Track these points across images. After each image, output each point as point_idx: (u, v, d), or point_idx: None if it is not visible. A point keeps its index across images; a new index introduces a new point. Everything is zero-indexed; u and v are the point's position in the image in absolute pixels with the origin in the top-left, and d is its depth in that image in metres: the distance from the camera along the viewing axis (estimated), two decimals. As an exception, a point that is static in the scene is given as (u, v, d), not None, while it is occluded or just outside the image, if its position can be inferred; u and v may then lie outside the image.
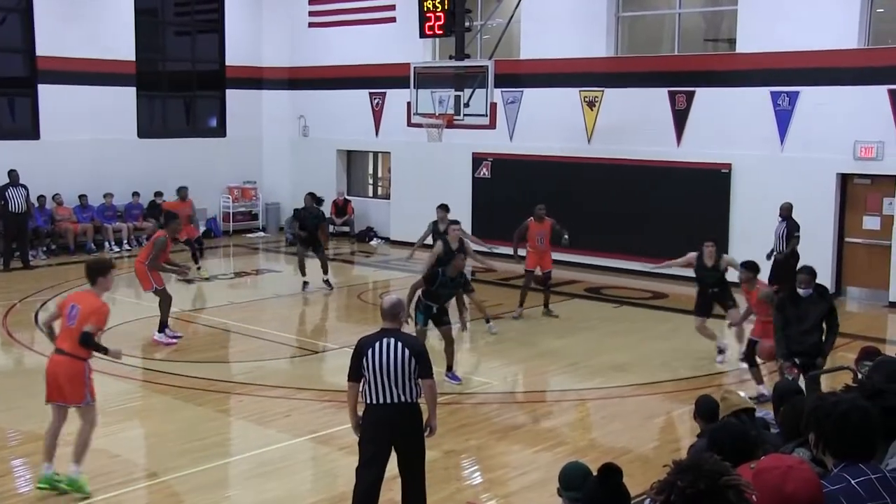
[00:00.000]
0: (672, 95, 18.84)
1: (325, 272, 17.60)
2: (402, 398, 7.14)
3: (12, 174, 19.99)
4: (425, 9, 18.67)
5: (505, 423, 10.65)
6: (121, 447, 9.78)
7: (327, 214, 24.46)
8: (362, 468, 7.27)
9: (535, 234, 15.72)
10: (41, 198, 21.26)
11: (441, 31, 18.79)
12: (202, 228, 23.98)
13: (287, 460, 9.42)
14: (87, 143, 22.16)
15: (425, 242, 15.98)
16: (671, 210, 18.65)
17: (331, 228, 24.59)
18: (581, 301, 17.29)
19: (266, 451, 9.75)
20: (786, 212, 15.93)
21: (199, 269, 19.14)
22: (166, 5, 25.00)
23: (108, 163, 22.48)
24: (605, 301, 17.26)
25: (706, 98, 18.45)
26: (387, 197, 24.43)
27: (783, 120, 17.59)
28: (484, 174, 21.77)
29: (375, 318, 16.28)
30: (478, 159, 21.79)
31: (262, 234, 25.39)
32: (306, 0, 25.12)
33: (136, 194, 22.89)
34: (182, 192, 20.70)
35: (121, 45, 22.91)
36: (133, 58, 23.24)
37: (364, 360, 7.10)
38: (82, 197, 21.96)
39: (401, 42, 22.10)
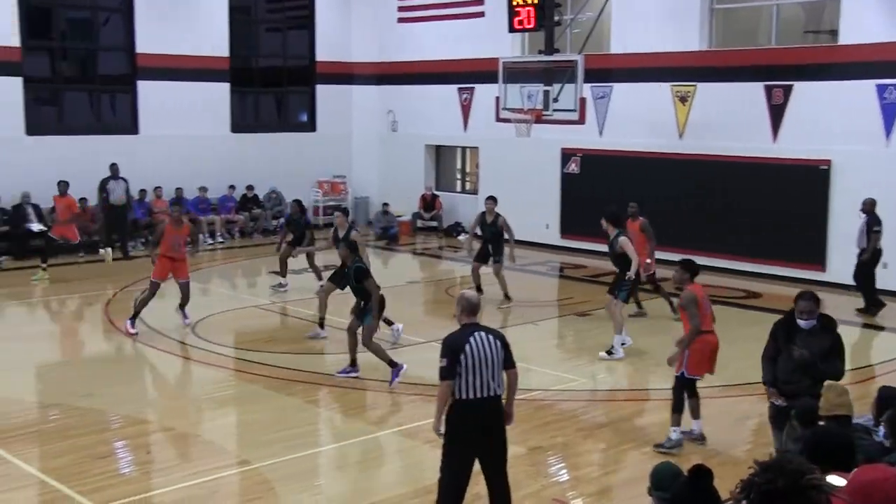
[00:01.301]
0: (768, 90, 18.47)
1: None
2: (496, 391, 7.22)
3: (113, 167, 20.63)
4: (514, 3, 18.59)
5: (591, 421, 10.63)
6: (214, 434, 10.04)
7: (416, 209, 24.72)
8: (453, 463, 7.28)
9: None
10: (142, 191, 21.88)
11: (531, 26, 18.71)
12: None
13: (374, 452, 9.56)
14: (182, 138, 22.71)
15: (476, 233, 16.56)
16: (766, 207, 18.33)
17: (418, 223, 24.81)
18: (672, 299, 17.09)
19: (354, 443, 9.91)
20: (868, 206, 15.67)
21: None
22: (259, 3, 25.45)
23: (202, 157, 23.03)
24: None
25: (805, 92, 18.02)
26: (475, 192, 24.46)
27: (890, 114, 17.09)
28: (573, 170, 21.68)
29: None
30: (567, 155, 21.70)
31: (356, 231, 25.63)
32: (396, -5, 25.35)
33: (231, 187, 23.41)
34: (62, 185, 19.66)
35: (215, 42, 23.44)
36: (227, 54, 23.75)
37: (461, 356, 7.11)
38: (178, 190, 22.50)
39: (489, 37, 22.12)
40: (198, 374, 12.57)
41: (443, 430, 7.28)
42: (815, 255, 17.81)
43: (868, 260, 15.80)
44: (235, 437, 10.27)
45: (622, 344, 13.23)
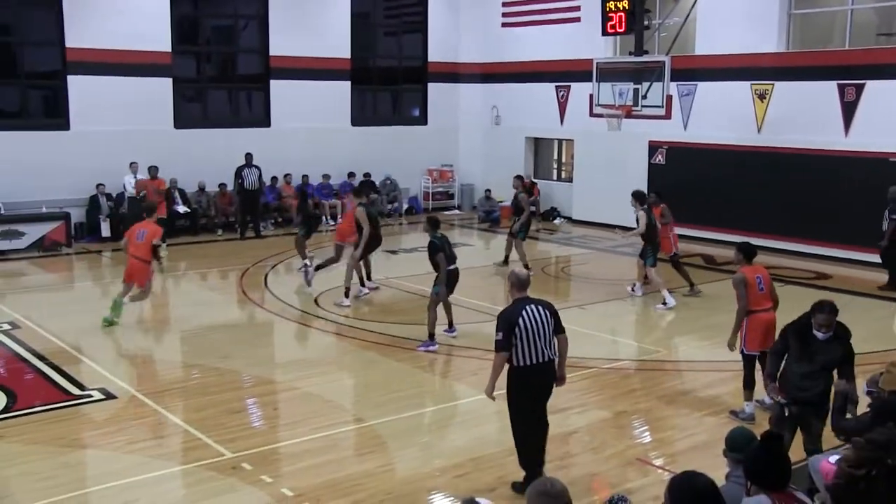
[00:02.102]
0: (841, 88, 17.89)
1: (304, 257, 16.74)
2: (550, 356, 7.36)
3: (248, 156, 21.05)
4: (608, 9, 18.45)
5: (673, 389, 10.48)
6: (333, 394, 10.19)
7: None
8: (524, 419, 7.45)
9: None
10: (274, 178, 22.30)
11: (622, 30, 18.50)
12: (405, 206, 24.56)
13: (474, 413, 9.57)
14: (308, 131, 23.04)
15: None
16: (837, 197, 17.85)
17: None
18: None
19: (456, 405, 9.96)
20: (892, 195, 15.32)
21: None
22: (377, 9, 25.55)
23: (326, 147, 23.32)
24: (773, 280, 16.54)
25: (876, 90, 17.41)
26: (570, 180, 24.27)
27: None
28: (659, 161, 21.35)
29: (557, 288, 16.41)
30: (653, 147, 21.37)
31: (457, 211, 25.73)
32: (500, 2, 25.19)
33: (351, 175, 23.66)
34: (153, 170, 19.49)
35: (339, 45, 23.67)
36: (348, 56, 23.96)
37: (517, 328, 7.19)
38: (304, 177, 22.85)
39: (585, 39, 21.90)
40: (320, 341, 12.77)
41: (495, 395, 7.48)
42: (881, 239, 17.14)
43: (887, 245, 15.51)
44: (352, 397, 10.39)
45: (665, 303, 14.17)
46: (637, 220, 14.44)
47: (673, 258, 15.33)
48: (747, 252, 9.72)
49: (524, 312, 7.25)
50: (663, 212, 15.27)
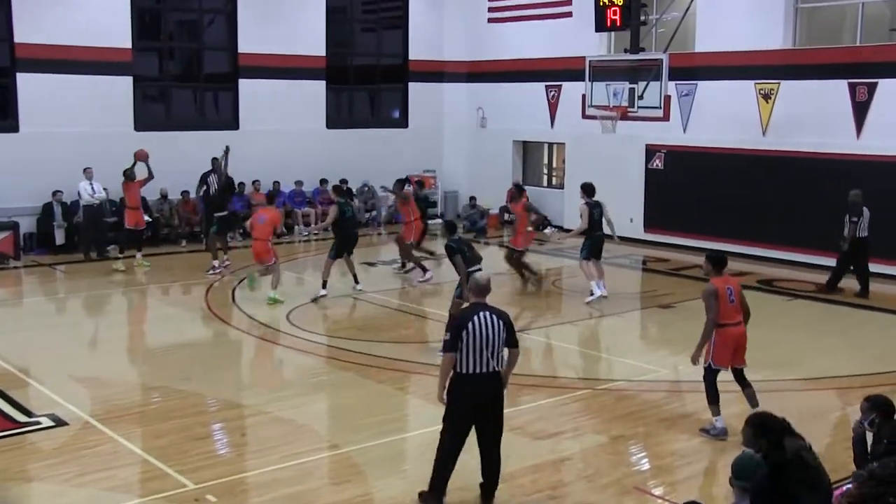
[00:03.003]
0: (852, 87, 17.95)
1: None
2: (496, 368, 7.54)
3: (215, 162, 20.86)
4: (601, 3, 18.39)
5: (673, 412, 10.43)
6: (306, 418, 10.08)
7: (503, 203, 24.57)
8: (452, 433, 7.65)
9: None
10: (241, 184, 22.15)
11: (617, 25, 18.48)
12: (383, 214, 24.46)
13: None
14: (280, 134, 22.97)
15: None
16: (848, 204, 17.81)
17: (506, 216, 24.65)
18: (752, 293, 16.53)
19: (440, 430, 9.84)
20: (852, 198, 15.98)
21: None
22: (354, 4, 25.55)
23: (298, 152, 23.25)
24: (777, 293, 16.63)
25: (890, 89, 17.48)
26: (561, 187, 24.27)
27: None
28: (657, 165, 21.38)
29: (548, 303, 16.35)
30: (651, 151, 21.40)
31: (440, 220, 25.64)
32: (486, -4, 25.26)
33: (323, 181, 23.54)
34: (130, 172, 18.54)
35: (313, 41, 23.63)
36: (324, 53, 23.93)
37: (464, 332, 7.41)
38: (275, 183, 22.75)
39: (576, 36, 21.91)
40: (292, 361, 12.66)
41: (446, 398, 7.64)
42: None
43: (847, 250, 16.11)
44: (327, 421, 10.30)
45: (592, 294, 15.16)
46: (581, 215, 15.40)
47: (521, 254, 16.59)
48: (716, 261, 9.74)
49: (476, 317, 7.50)
50: (528, 205, 16.52)
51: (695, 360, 9.64)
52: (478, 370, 7.46)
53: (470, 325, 7.44)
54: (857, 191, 16.06)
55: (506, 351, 7.64)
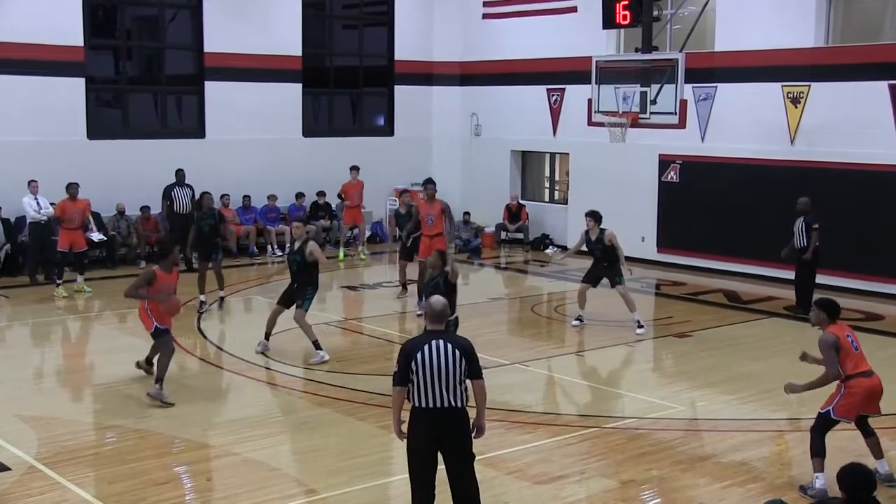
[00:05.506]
0: (893, 89, 18.03)
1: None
2: (452, 402, 7.45)
3: (179, 174, 20.95)
4: (610, -3, 18.51)
5: (691, 453, 10.43)
6: (280, 461, 10.07)
7: (500, 220, 24.65)
8: (414, 466, 7.63)
9: (424, 216, 16.81)
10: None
11: (627, 22, 18.53)
12: (367, 232, 24.47)
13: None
14: (251, 142, 23.03)
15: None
16: (888, 221, 17.91)
17: (503, 235, 24.74)
18: (778, 320, 16.77)
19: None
20: (804, 207, 16.49)
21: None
22: (334, -2, 25.69)
23: (272, 162, 23.30)
24: (807, 321, 16.60)
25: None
26: (564, 202, 24.35)
27: None
28: (672, 178, 21.43)
29: (550, 331, 16.38)
30: (665, 162, 21.47)
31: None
32: (481, -10, 25.41)
33: (300, 195, 23.56)
34: (73, 188, 18.44)
35: (287, 40, 23.72)
36: (299, 53, 24.01)
37: (413, 363, 7.39)
38: (245, 198, 22.80)
39: (582, 34, 22.02)
40: (263, 396, 12.64)
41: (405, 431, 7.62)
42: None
43: (811, 259, 16.52)
44: (303, 464, 10.27)
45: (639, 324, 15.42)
46: (606, 241, 15.49)
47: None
48: (830, 309, 9.40)
49: (426, 347, 7.44)
50: (443, 206, 16.89)
51: (792, 391, 9.53)
52: (432, 404, 7.43)
53: (419, 355, 7.39)
54: (806, 198, 16.77)
55: (469, 384, 7.56)
